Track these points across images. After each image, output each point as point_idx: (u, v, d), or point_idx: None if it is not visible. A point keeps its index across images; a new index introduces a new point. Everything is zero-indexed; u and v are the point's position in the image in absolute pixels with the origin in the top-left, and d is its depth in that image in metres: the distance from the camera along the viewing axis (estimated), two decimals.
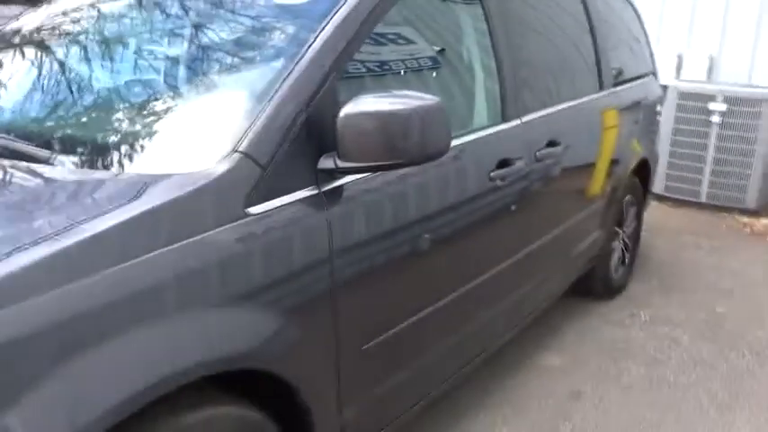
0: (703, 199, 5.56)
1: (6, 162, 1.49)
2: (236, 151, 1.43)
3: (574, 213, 2.92)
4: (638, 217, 3.93)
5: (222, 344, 1.33)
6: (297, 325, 1.48)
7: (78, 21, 2.04)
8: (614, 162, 3.26)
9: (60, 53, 1.94)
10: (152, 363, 1.21)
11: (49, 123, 1.71)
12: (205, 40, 1.76)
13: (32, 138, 1.59)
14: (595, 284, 3.54)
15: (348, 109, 1.50)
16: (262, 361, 1.41)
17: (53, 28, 2.07)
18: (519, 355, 2.97)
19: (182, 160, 1.43)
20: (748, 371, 2.96)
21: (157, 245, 1.26)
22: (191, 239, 1.30)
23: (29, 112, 1.80)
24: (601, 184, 3.17)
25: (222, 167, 1.40)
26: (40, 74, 1.89)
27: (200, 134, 1.52)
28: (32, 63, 1.96)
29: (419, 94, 1.57)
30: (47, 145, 1.53)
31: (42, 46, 2.01)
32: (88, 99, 1.77)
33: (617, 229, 3.58)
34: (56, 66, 1.89)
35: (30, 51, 2.02)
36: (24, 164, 1.47)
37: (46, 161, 1.46)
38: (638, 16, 3.89)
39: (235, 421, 1.38)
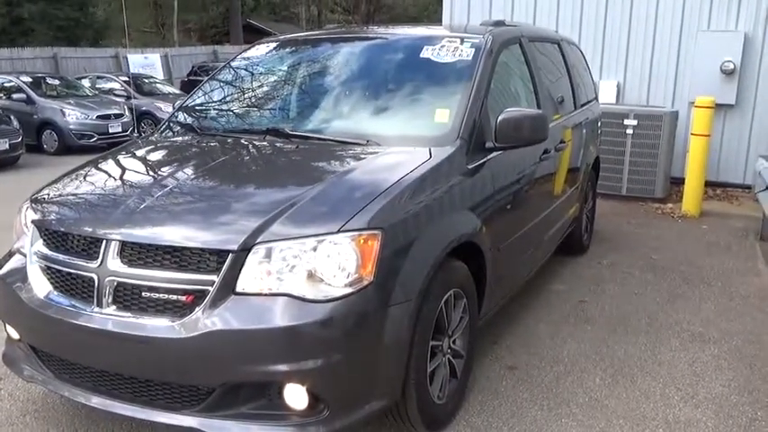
0: (624, 192, 7.37)
1: (338, 146, 2.87)
2: (459, 137, 2.88)
3: (568, 188, 4.51)
4: (593, 198, 5.62)
5: (464, 228, 2.76)
6: (481, 223, 2.90)
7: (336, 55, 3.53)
8: (583, 158, 4.90)
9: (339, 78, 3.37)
10: (448, 232, 2.63)
11: (363, 124, 3.09)
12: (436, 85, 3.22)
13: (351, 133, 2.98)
14: (572, 243, 5.14)
15: (502, 116, 2.98)
16: (472, 237, 2.82)
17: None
18: (537, 286, 4.49)
19: (439, 141, 2.86)
20: (679, 286, 4.63)
21: (442, 179, 2.69)
22: (452, 178, 2.74)
23: (342, 118, 3.17)
24: (578, 172, 4.79)
25: (457, 144, 2.85)
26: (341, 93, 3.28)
27: (443, 129, 2.94)
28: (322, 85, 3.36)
29: (532, 109, 3.08)
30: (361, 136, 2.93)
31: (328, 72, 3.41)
32: (384, 112, 3.18)
33: (583, 204, 5.22)
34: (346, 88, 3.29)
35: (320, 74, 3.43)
36: (352, 147, 2.85)
37: (365, 144, 2.86)
38: (584, 58, 5.61)
39: (460, 267, 2.75)
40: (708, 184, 7.17)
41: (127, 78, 14.97)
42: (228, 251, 2.18)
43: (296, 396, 2.18)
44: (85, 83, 14.42)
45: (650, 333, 3.78)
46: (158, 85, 15.63)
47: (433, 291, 2.51)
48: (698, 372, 3.30)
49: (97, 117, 11.78)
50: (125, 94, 13.92)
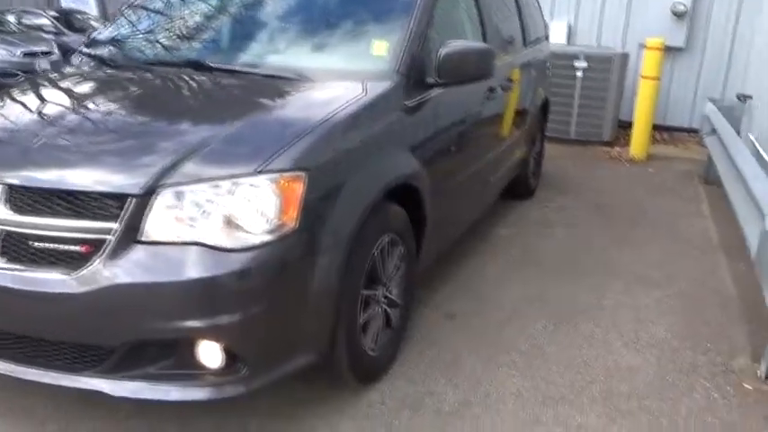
0: (572, 136, 7.29)
1: (264, 81, 2.60)
2: (398, 71, 2.65)
3: (515, 130, 4.34)
4: (542, 141, 5.48)
5: (401, 169, 2.56)
6: (420, 165, 2.70)
7: None
8: (531, 99, 4.73)
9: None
10: (384, 173, 2.43)
11: (293, 57, 2.81)
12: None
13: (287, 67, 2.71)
14: (519, 188, 5.01)
15: (445, 49, 2.75)
16: (411, 179, 2.61)
17: None
18: (483, 231, 4.36)
19: (375, 76, 2.62)
20: (625, 229, 4.57)
21: (377, 116, 2.47)
22: (388, 115, 2.52)
23: (270, 51, 2.87)
24: (526, 114, 4.62)
25: (395, 78, 2.62)
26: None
27: (380, 63, 2.69)
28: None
29: (478, 42, 2.86)
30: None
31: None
32: (315, 41, 2.89)
33: (531, 147, 5.07)
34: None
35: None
36: (279, 81, 2.59)
37: (293, 78, 2.60)
38: None
39: (396, 211, 2.57)
40: (655, 127, 7.13)
41: (56, 14, 14.04)
42: (129, 195, 1.93)
43: (209, 354, 1.98)
44: (10, 18, 13.40)
45: (595, 276, 3.71)
46: (92, 22, 14.69)
47: (366, 237, 2.32)
48: (641, 316, 3.24)
49: (23, 54, 10.98)
50: (54, 30, 13.04)
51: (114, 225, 1.92)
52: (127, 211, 1.92)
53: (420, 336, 2.95)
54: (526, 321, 3.14)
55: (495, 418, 2.39)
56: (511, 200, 4.98)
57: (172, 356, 1.99)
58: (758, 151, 4.55)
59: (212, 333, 1.95)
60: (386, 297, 2.62)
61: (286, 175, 2.03)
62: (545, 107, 5.35)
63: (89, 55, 3.14)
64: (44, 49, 11.48)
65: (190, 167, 2.01)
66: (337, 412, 2.41)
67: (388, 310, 2.64)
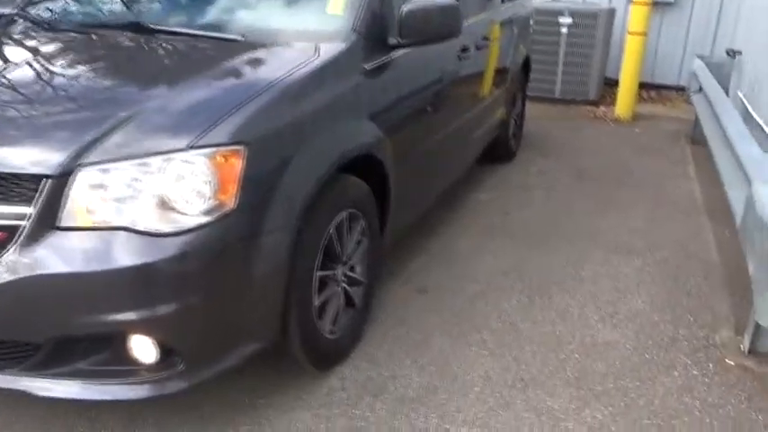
0: (557, 95, 7.06)
1: (207, 43, 2.38)
2: (354, 31, 2.43)
3: (494, 91, 4.12)
4: (523, 101, 5.26)
5: (359, 138, 2.36)
6: (383, 133, 2.50)
7: None
8: (511, 57, 4.50)
9: None
10: (339, 144, 2.23)
11: (241, 17, 2.58)
12: None
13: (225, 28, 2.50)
14: (500, 150, 4.82)
15: (407, 6, 2.53)
16: (372, 149, 2.42)
17: None
18: (461, 196, 4.19)
19: (329, 36, 2.41)
20: (609, 193, 4.40)
21: (331, 81, 2.26)
22: (344, 80, 2.32)
23: (216, 10, 2.64)
24: (505, 73, 4.40)
25: (352, 39, 2.41)
26: None
27: (335, 22, 2.47)
28: None
29: None
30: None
31: None
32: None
33: (511, 108, 4.86)
34: None
35: None
36: (223, 44, 2.37)
37: (240, 40, 2.37)
38: None
39: (356, 184, 2.39)
40: (643, 85, 6.91)
41: None
42: (44, 176, 1.73)
43: (142, 348, 1.82)
44: None
45: (575, 244, 3.55)
46: None
47: (320, 213, 2.14)
48: (620, 287, 3.09)
49: None
50: None
51: (29, 209, 1.73)
52: (42, 194, 1.73)
53: (388, 313, 2.79)
54: (500, 295, 2.99)
55: (460, 403, 2.25)
56: (491, 163, 4.80)
57: (104, 350, 1.82)
58: (747, 109, 4.36)
59: (142, 326, 1.77)
60: (346, 276, 2.45)
61: (223, 149, 1.84)
62: (526, 66, 5.12)
63: (24, 17, 2.89)
64: (9, 11, 11.02)
65: (115, 143, 1.81)
66: (295, 400, 2.26)
67: (349, 289, 2.48)
